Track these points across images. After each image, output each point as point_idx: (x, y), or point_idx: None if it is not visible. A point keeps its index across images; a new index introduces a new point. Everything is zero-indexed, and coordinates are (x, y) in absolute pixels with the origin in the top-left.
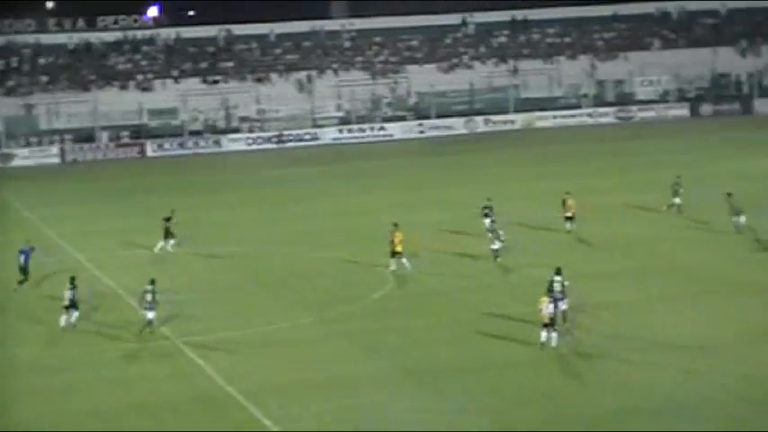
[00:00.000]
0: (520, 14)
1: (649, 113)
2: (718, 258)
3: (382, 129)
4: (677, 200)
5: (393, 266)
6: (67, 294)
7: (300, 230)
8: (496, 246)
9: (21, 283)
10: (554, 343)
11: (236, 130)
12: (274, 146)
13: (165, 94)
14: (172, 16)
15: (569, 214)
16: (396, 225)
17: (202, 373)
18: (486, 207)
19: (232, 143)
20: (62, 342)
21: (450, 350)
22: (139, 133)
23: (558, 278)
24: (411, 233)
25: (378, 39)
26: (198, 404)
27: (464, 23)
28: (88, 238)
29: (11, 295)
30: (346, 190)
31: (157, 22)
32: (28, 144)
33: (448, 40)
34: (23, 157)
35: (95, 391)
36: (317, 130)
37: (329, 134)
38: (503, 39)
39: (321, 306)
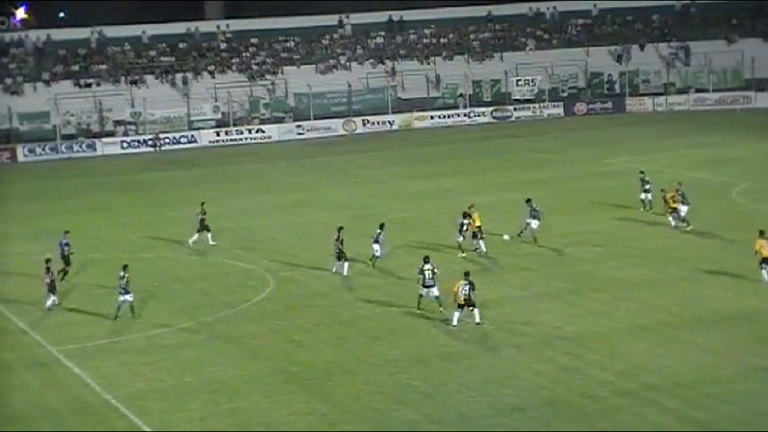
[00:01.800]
0: (396, 15)
1: (525, 113)
2: (591, 254)
3: (260, 131)
4: (648, 196)
5: (483, 247)
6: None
7: (176, 234)
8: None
9: (64, 273)
10: (477, 318)
11: (111, 134)
12: (150, 149)
13: (36, 97)
14: (41, 18)
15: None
16: (472, 206)
17: (80, 381)
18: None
19: (107, 147)
20: None
21: (333, 351)
22: (9, 138)
23: (427, 266)
24: (291, 236)
25: (254, 40)
26: (76, 413)
27: (340, 24)
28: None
29: None
30: (223, 192)
31: (26, 25)
32: None
33: (325, 42)
34: None
35: None
36: (194, 133)
37: (207, 137)
38: (379, 40)
39: (201, 310)
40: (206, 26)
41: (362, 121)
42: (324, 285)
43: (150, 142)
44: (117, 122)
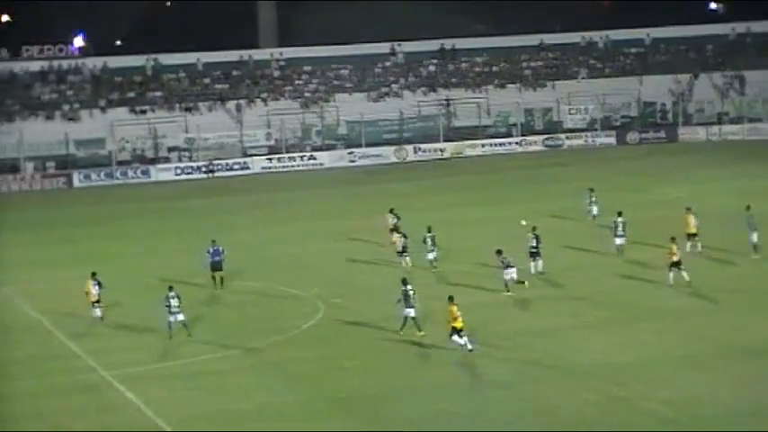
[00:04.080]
0: (448, 43)
1: (577, 141)
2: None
3: (312, 158)
4: (594, 209)
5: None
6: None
7: (229, 259)
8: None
9: (221, 281)
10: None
11: (166, 160)
12: (203, 175)
13: (92, 123)
14: (98, 46)
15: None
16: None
17: (132, 405)
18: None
19: (161, 173)
20: None
21: (381, 378)
22: (66, 164)
23: (409, 287)
24: (341, 262)
25: (307, 68)
26: None
27: (393, 52)
28: (13, 268)
29: None
30: (274, 219)
31: (83, 52)
32: None
33: (377, 69)
34: None
35: (21, 426)
36: (247, 159)
37: (259, 163)
38: (431, 68)
39: (251, 336)
40: (260, 54)
41: (414, 148)
42: (373, 312)
43: (204, 168)
44: (171, 149)
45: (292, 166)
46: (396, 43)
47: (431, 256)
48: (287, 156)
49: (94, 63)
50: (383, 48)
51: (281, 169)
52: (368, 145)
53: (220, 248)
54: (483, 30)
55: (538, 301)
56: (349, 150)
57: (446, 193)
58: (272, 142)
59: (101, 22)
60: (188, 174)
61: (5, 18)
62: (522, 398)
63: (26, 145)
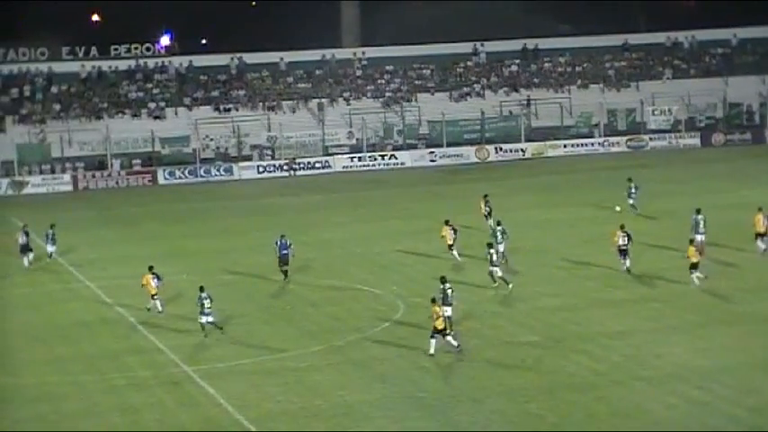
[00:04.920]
0: (531, 43)
1: (661, 143)
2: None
3: (393, 157)
4: (630, 201)
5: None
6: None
7: (310, 257)
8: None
9: (285, 274)
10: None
11: (248, 158)
12: (285, 174)
13: (177, 122)
14: (184, 44)
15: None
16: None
17: (212, 400)
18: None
19: (243, 171)
20: (70, 369)
21: (460, 378)
22: (151, 161)
23: (447, 285)
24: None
25: (389, 67)
26: None
27: (475, 52)
28: (98, 265)
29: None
30: (354, 218)
31: (169, 51)
32: (40, 172)
33: (459, 69)
34: (36, 184)
35: (104, 419)
36: (328, 158)
37: (340, 162)
38: (514, 68)
39: (331, 334)
40: (342, 53)
41: (495, 148)
42: (453, 312)
43: (285, 166)
44: (254, 147)
45: (373, 165)
46: (478, 43)
47: (501, 247)
48: (368, 155)
49: (180, 62)
50: (465, 47)
51: (361, 168)
52: (449, 145)
53: (287, 242)
54: (568, 30)
55: (619, 302)
56: (430, 150)
57: (528, 193)
58: (354, 141)
59: (187, 22)
60: (270, 172)
61: (95, 18)
62: (603, 400)
63: (113, 142)
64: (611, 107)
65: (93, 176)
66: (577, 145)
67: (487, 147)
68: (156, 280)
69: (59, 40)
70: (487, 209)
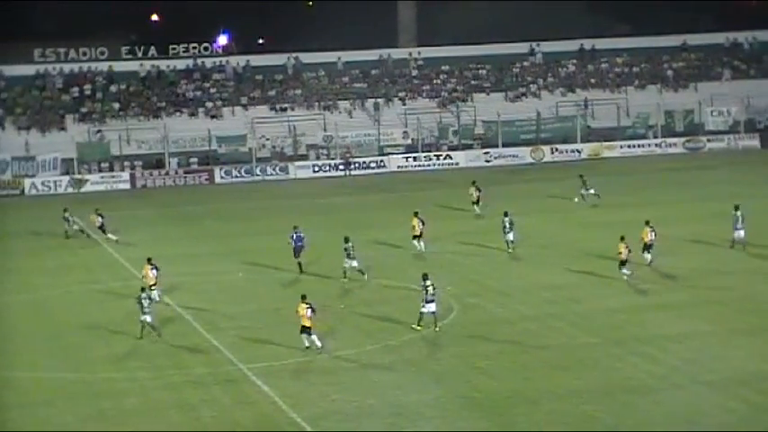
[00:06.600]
0: (588, 44)
1: (719, 144)
2: None
3: (448, 157)
4: (592, 191)
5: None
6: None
7: (365, 257)
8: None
9: (299, 266)
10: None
11: (304, 158)
12: (340, 173)
13: (234, 121)
14: (241, 44)
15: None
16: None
17: (267, 398)
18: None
19: (299, 170)
20: (129, 366)
21: (516, 379)
22: (208, 160)
23: (428, 282)
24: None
25: (445, 67)
26: (263, 430)
27: (532, 52)
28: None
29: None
30: (410, 217)
31: (227, 50)
32: (99, 170)
33: (515, 69)
34: (95, 182)
35: (162, 416)
36: (384, 158)
37: (395, 162)
38: (570, 68)
39: (386, 333)
40: (398, 53)
41: (551, 149)
42: (508, 313)
43: (341, 165)
44: (309, 146)
45: (428, 165)
46: (534, 43)
47: (510, 236)
48: (423, 155)
49: (237, 61)
50: (522, 48)
51: (416, 168)
52: (504, 145)
53: (302, 234)
54: (626, 30)
55: (680, 304)
56: (485, 150)
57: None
58: (409, 141)
59: (244, 21)
60: (325, 171)
61: (155, 17)
62: (661, 403)
63: (170, 141)
64: (668, 108)
65: (151, 175)
66: (634, 146)
67: (543, 147)
68: (154, 270)
69: (119, 40)
70: (477, 195)
